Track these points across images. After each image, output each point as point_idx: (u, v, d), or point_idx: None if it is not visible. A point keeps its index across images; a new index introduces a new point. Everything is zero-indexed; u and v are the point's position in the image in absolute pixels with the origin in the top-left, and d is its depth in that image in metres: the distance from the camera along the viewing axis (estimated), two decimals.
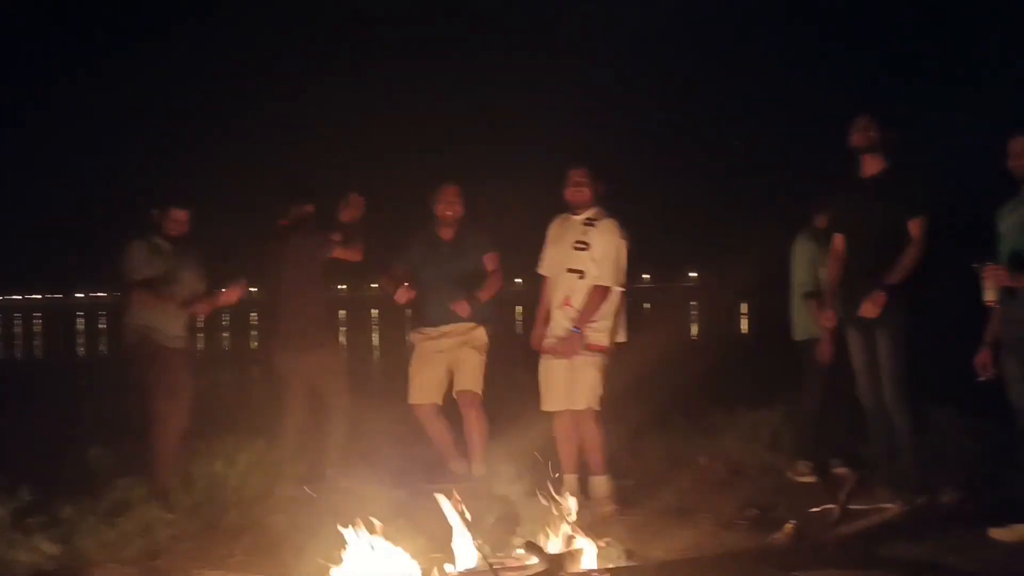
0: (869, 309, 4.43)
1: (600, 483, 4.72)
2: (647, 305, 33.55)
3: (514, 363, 6.32)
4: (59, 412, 7.50)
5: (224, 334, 24.82)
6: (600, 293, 4.69)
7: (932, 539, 3.87)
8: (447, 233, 5.39)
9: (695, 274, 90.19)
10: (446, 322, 5.29)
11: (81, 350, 25.58)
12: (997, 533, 3.91)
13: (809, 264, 5.32)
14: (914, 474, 4.50)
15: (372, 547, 3.25)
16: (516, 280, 12.04)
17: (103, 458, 5.02)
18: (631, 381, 5.59)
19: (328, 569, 3.27)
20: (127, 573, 3.84)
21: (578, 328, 4.66)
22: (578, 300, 4.69)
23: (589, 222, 4.76)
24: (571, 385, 4.70)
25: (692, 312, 37.09)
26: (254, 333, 19.57)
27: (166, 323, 4.88)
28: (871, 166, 4.66)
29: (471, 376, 5.31)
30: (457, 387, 5.34)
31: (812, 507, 4.45)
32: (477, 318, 5.30)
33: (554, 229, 4.93)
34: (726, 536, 4.17)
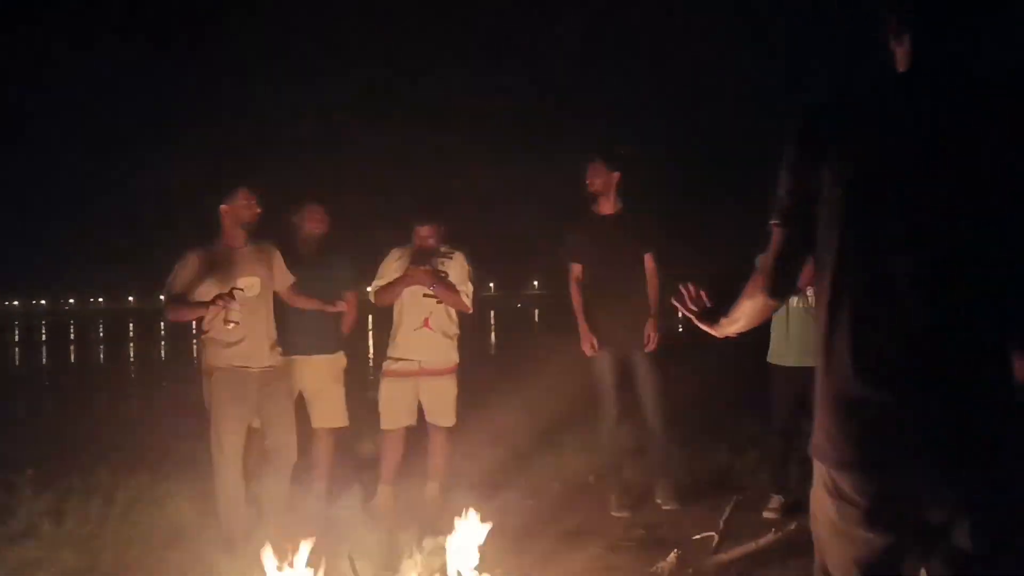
0: (653, 343, 5.05)
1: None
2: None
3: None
4: None
5: None
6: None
7: (803, 563, 4.08)
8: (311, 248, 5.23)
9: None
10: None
11: None
12: None
13: None
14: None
15: None
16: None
17: None
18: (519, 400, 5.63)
19: None
20: None
21: None
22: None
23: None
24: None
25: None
26: None
27: None
28: (606, 206, 5.20)
29: None
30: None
31: (693, 529, 4.63)
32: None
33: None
34: (613, 558, 4.31)
